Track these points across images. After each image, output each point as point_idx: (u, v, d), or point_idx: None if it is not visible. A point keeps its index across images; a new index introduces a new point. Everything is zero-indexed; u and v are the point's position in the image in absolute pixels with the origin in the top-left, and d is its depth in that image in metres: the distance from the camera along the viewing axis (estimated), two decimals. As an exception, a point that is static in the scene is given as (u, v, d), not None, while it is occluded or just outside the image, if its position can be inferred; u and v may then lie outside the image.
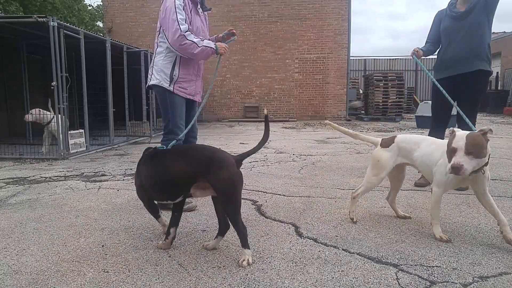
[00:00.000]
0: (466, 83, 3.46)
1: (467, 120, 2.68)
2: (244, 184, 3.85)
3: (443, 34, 3.60)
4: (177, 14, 2.81)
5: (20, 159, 5.59)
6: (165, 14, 2.87)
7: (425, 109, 10.51)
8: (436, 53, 3.78)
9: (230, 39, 3.21)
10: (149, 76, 3.06)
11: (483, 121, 12.20)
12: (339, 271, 1.93)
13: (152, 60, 3.05)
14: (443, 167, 2.24)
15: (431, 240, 2.32)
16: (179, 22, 2.80)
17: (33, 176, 4.40)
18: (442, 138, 3.04)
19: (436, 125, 3.69)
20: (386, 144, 2.60)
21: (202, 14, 3.12)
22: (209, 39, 3.13)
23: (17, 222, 2.73)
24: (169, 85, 2.94)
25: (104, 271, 1.95)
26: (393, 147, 2.57)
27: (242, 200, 3.25)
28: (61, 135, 5.67)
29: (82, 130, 6.26)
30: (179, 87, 2.98)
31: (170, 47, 2.88)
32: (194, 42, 2.84)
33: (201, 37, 2.95)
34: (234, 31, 3.19)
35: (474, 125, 2.93)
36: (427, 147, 2.44)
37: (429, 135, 3.52)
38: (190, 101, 3.12)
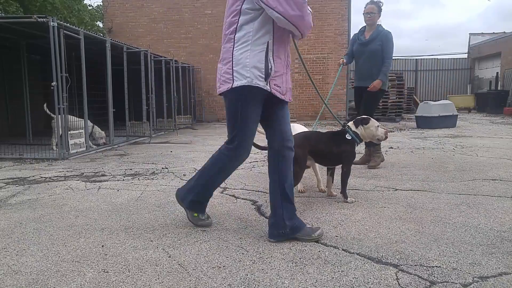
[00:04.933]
0: (368, 92, 4.59)
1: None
2: (244, 184, 3.85)
3: (354, 53, 4.76)
4: None
5: (20, 159, 5.59)
6: None
7: (425, 109, 10.52)
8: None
9: None
10: (223, 76, 2.28)
11: (483, 121, 12.20)
12: (339, 271, 1.93)
13: (230, 54, 2.25)
14: None
15: (431, 240, 2.32)
16: None
17: (33, 176, 4.40)
18: None
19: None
20: None
21: None
22: None
23: (17, 222, 2.73)
24: (266, 84, 2.22)
25: (104, 271, 1.95)
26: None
27: (242, 200, 3.27)
28: (60, 135, 5.68)
29: (82, 130, 6.26)
30: (274, 84, 2.27)
31: (283, 19, 2.09)
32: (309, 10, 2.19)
33: None
34: None
35: None
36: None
37: None
38: (278, 100, 2.36)
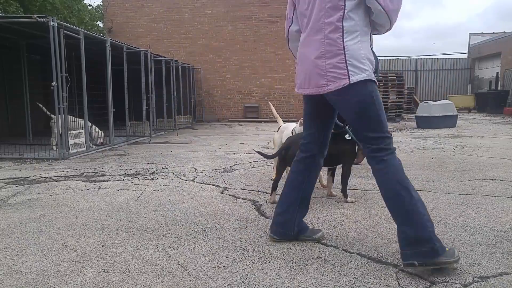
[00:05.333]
0: None
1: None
2: (244, 184, 3.85)
3: None
4: None
5: (20, 159, 5.59)
6: None
7: (425, 109, 10.51)
8: None
9: None
10: (332, 71, 1.97)
11: (483, 121, 12.20)
12: (339, 271, 1.93)
13: (340, 46, 1.96)
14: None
15: (431, 240, 2.32)
16: None
17: (33, 176, 4.40)
18: None
19: None
20: (277, 130, 4.04)
21: None
22: None
23: (17, 222, 2.73)
24: (376, 77, 2.06)
25: (104, 271, 1.95)
26: (280, 131, 3.96)
27: (242, 200, 3.27)
28: (58, 135, 5.68)
29: (82, 130, 6.26)
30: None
31: (383, 12, 1.94)
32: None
33: None
34: None
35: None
36: (287, 130, 3.77)
37: None
38: None
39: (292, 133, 3.58)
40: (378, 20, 2.02)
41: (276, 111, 4.49)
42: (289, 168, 3.26)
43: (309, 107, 2.29)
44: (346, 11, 1.95)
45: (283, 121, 4.24)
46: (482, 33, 22.13)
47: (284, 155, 3.11)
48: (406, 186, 1.97)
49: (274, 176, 3.97)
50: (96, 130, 6.84)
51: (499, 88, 17.56)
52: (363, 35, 2.00)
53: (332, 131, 2.42)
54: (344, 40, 1.96)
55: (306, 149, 2.32)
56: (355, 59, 1.96)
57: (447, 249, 1.90)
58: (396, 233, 1.97)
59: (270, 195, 3.23)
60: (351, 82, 1.95)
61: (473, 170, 4.41)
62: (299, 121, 3.48)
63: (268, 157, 3.48)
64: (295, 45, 2.34)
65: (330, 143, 3.26)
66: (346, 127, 3.14)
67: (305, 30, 2.14)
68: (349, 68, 1.95)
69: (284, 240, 2.30)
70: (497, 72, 18.35)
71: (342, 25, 1.96)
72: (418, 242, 1.86)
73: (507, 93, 16.73)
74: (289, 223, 2.28)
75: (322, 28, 2.01)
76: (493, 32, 21.47)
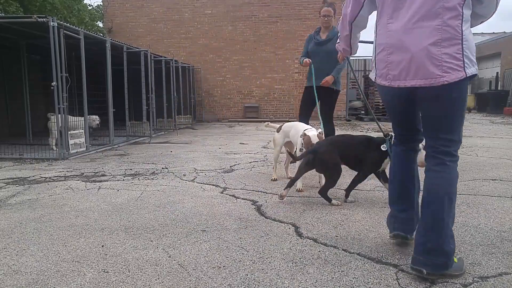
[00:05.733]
0: (322, 93, 4.60)
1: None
2: (244, 184, 3.85)
3: (309, 53, 4.70)
4: None
5: (20, 159, 5.59)
6: None
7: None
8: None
9: None
10: (448, 61, 1.79)
11: (483, 121, 12.20)
12: (339, 271, 1.93)
13: (457, 33, 1.79)
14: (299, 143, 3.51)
15: (431, 240, 2.32)
16: None
17: (33, 176, 4.40)
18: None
19: (301, 118, 4.78)
20: (278, 129, 4.05)
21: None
22: None
23: (17, 222, 2.73)
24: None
25: (104, 271, 1.95)
26: (282, 131, 3.98)
27: (242, 200, 3.27)
28: (58, 134, 5.68)
29: (82, 130, 6.26)
30: None
31: (495, 3, 1.89)
32: None
33: None
34: None
35: (331, 122, 4.72)
36: (293, 130, 3.80)
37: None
38: None
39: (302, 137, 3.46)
40: (485, 10, 1.91)
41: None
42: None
43: (397, 103, 2.10)
44: (463, 7, 1.78)
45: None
46: (482, 33, 22.14)
47: (312, 159, 3.09)
48: (452, 198, 1.88)
49: (274, 177, 4.07)
50: (92, 118, 6.81)
51: (499, 88, 17.56)
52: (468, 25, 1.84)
53: (368, 135, 2.39)
54: (463, 28, 1.79)
55: (401, 141, 2.21)
56: (470, 51, 1.81)
57: (455, 260, 1.87)
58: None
59: (284, 190, 3.16)
60: (467, 75, 1.79)
61: (473, 170, 4.41)
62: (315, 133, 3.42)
63: (296, 158, 3.32)
64: (357, 31, 2.26)
65: (361, 147, 3.13)
66: (388, 137, 2.95)
67: (403, 15, 1.90)
68: (465, 60, 1.79)
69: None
70: (497, 72, 18.35)
71: (462, 12, 1.78)
72: (436, 253, 1.81)
73: (507, 93, 16.73)
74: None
75: (439, 13, 1.79)
76: (493, 32, 21.48)
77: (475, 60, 1.83)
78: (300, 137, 3.51)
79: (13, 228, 2.61)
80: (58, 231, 2.55)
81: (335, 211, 2.91)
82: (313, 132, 3.45)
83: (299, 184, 3.60)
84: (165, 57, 10.48)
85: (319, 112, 4.42)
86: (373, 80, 2.15)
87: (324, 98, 4.65)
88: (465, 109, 1.93)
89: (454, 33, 1.78)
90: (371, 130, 10.13)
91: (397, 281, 1.81)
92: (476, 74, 1.84)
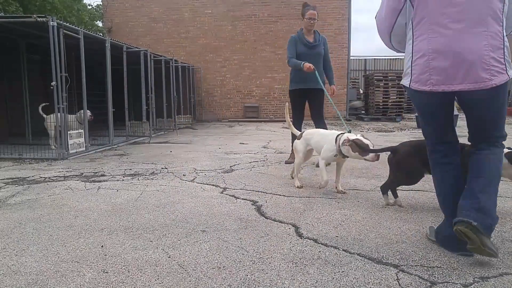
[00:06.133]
0: (313, 95, 4.81)
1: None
2: (244, 184, 3.84)
3: (298, 56, 4.72)
4: None
5: (19, 159, 5.59)
6: None
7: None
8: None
9: None
10: (495, 65, 1.93)
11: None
12: (339, 271, 1.92)
13: (500, 38, 1.94)
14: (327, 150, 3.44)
15: (432, 240, 2.31)
16: None
17: (32, 176, 4.39)
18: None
19: (296, 120, 4.95)
20: (299, 137, 3.88)
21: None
22: None
23: (17, 223, 2.72)
24: None
25: (103, 272, 1.94)
26: (304, 138, 3.81)
27: (242, 200, 3.26)
28: (56, 133, 5.67)
29: (82, 130, 6.25)
30: None
31: None
32: None
33: None
34: None
35: (324, 121, 4.82)
36: (317, 137, 3.68)
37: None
38: None
39: (336, 140, 3.33)
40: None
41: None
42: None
43: (438, 108, 2.17)
44: (502, 10, 1.96)
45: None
46: (482, 33, 22.10)
47: (392, 158, 3.01)
48: (498, 176, 2.15)
49: (298, 184, 3.71)
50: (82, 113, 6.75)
51: (499, 88, 17.54)
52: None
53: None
54: (504, 33, 1.97)
55: (447, 154, 2.25)
56: (509, 54, 1.97)
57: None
58: (396, 233, 1.93)
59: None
60: (510, 77, 1.96)
61: (474, 170, 4.40)
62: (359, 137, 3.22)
63: (377, 151, 3.11)
64: (397, 39, 2.30)
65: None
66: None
67: (449, 21, 1.99)
68: (506, 63, 1.95)
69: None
70: (497, 72, 18.33)
71: (502, 18, 1.96)
72: (486, 213, 1.94)
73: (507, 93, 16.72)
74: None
75: (486, 20, 1.93)
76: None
77: None
78: (338, 142, 3.29)
79: (12, 228, 2.60)
80: (57, 231, 2.54)
81: (335, 212, 2.91)
82: (353, 136, 3.24)
83: (297, 182, 3.73)
84: (165, 57, 10.48)
85: (311, 115, 4.76)
86: (407, 86, 2.17)
87: (315, 100, 4.88)
88: (505, 112, 2.11)
89: (498, 38, 1.93)
90: (371, 130, 10.13)
91: (398, 282, 1.81)
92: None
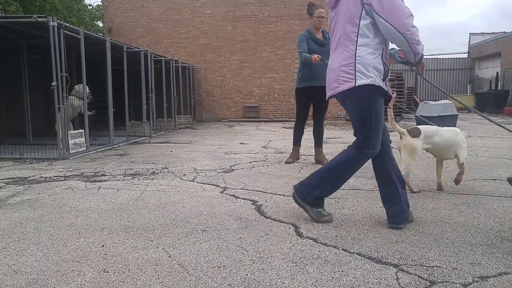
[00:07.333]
0: (321, 94, 4.81)
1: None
2: (244, 184, 3.85)
3: (310, 53, 4.62)
4: None
5: (20, 159, 5.59)
6: None
7: (425, 109, 10.50)
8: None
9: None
10: (343, 76, 2.44)
11: (483, 121, 12.20)
12: (339, 271, 1.93)
13: (351, 55, 2.42)
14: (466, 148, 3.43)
15: (431, 240, 2.32)
16: (404, 3, 2.34)
17: (33, 176, 4.40)
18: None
19: (301, 119, 5.10)
20: (415, 134, 3.30)
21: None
22: None
23: (17, 222, 2.73)
24: (384, 85, 2.45)
25: (104, 271, 1.95)
26: (423, 136, 3.32)
27: (242, 200, 3.27)
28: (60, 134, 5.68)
29: (82, 130, 6.26)
30: (387, 85, 2.50)
31: (389, 32, 2.34)
32: (417, 28, 2.33)
33: None
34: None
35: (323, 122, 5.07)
36: (446, 133, 3.38)
37: (295, 126, 5.20)
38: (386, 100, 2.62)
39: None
40: (387, 36, 2.40)
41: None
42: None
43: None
44: (358, 32, 2.41)
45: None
46: (482, 33, 22.12)
47: None
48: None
49: (416, 189, 3.48)
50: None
51: (499, 88, 17.56)
52: (378, 49, 2.43)
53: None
54: (357, 50, 2.41)
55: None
56: (365, 66, 2.39)
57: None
58: (395, 232, 1.96)
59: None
60: (357, 84, 2.39)
61: (473, 170, 4.41)
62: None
63: None
64: None
65: None
66: None
67: (332, 46, 2.61)
68: (361, 72, 2.38)
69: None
70: (497, 72, 18.35)
71: (354, 38, 2.42)
72: (306, 187, 2.68)
73: (507, 93, 16.73)
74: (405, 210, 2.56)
75: (342, 43, 2.49)
76: (493, 32, 21.47)
77: (378, 74, 2.41)
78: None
79: (13, 228, 2.61)
80: (58, 231, 2.55)
81: (335, 211, 2.91)
82: (446, 132, 3.38)
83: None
84: (165, 57, 10.48)
85: (314, 113, 4.74)
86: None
87: (322, 99, 4.78)
88: (367, 115, 2.46)
89: (350, 56, 2.43)
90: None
91: (397, 281, 1.81)
92: (370, 85, 2.39)
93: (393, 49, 2.66)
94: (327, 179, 2.61)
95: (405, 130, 3.32)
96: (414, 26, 2.32)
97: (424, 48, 2.39)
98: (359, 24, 2.41)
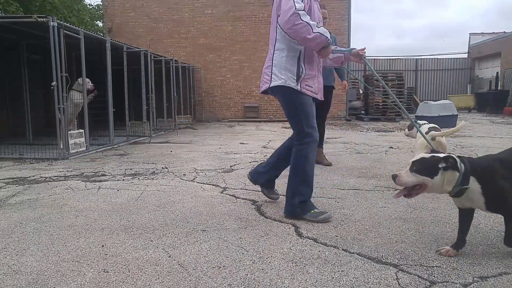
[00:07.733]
0: (325, 93, 4.95)
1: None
2: (244, 184, 3.85)
3: None
4: None
5: (20, 159, 5.59)
6: None
7: (425, 109, 10.51)
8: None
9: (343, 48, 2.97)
10: (265, 77, 2.78)
11: (483, 121, 12.20)
12: (339, 271, 1.93)
13: (270, 59, 2.74)
14: None
15: (431, 240, 2.32)
16: (295, 0, 2.46)
17: (33, 176, 4.40)
18: None
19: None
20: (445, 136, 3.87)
21: (317, 1, 2.81)
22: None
23: (17, 222, 2.73)
24: (296, 84, 2.65)
25: (104, 271, 1.95)
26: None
27: (242, 200, 3.27)
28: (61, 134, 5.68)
29: (82, 130, 6.26)
30: (305, 85, 2.68)
31: (282, 31, 2.57)
32: (309, 24, 2.44)
33: (317, 22, 2.59)
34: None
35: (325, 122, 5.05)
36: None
37: None
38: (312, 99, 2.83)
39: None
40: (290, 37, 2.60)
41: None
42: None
43: None
44: (276, 37, 2.71)
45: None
46: (482, 33, 22.14)
47: None
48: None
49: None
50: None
51: (499, 88, 17.56)
52: (292, 51, 2.65)
53: None
54: (274, 54, 2.71)
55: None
56: (278, 69, 2.67)
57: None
58: (395, 232, 1.96)
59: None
60: (271, 86, 2.72)
61: (473, 170, 4.40)
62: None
63: None
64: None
65: None
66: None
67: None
68: (275, 74, 2.69)
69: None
70: (497, 72, 18.35)
71: (273, 45, 2.74)
72: (258, 173, 3.17)
73: (507, 93, 16.73)
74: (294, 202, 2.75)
75: (270, 46, 2.80)
76: (493, 32, 21.49)
77: (290, 75, 2.64)
78: None
79: (13, 228, 2.61)
80: (58, 231, 2.55)
81: (335, 211, 2.91)
82: None
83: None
84: (165, 57, 10.48)
85: (317, 114, 4.75)
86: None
87: (326, 98, 4.79)
88: (293, 110, 2.72)
89: (269, 58, 2.75)
90: (371, 130, 10.13)
91: (397, 281, 1.82)
92: (281, 86, 2.67)
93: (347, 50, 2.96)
94: (296, 182, 2.73)
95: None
96: (301, 22, 2.44)
97: (327, 39, 2.50)
98: (277, 30, 2.68)
